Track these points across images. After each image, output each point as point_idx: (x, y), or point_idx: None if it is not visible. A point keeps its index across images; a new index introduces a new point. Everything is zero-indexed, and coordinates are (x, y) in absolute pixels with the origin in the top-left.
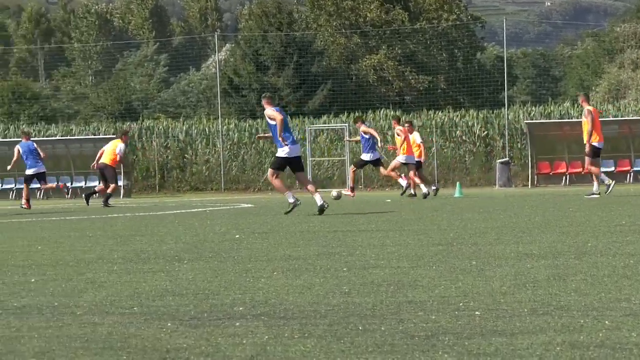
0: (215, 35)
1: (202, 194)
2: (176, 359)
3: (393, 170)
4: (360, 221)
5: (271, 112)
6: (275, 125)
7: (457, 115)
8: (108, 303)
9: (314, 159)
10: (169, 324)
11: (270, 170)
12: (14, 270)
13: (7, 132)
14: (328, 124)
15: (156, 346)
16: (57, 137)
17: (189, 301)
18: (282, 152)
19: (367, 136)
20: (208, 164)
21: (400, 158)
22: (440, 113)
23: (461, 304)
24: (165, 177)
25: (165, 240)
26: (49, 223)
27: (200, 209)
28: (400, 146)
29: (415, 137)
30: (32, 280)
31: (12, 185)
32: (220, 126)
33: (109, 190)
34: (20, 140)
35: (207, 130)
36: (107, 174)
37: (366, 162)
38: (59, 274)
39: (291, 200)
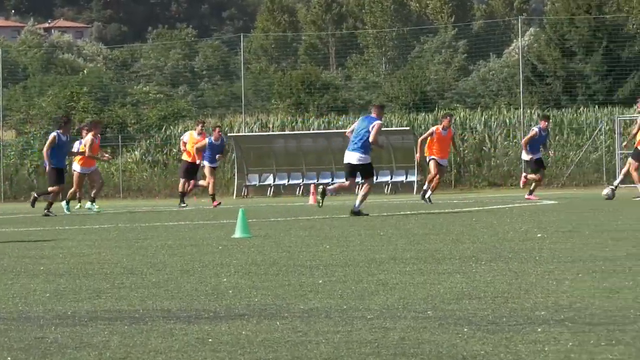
0: (519, 19)
1: (500, 190)
2: None
3: None
4: None
5: None
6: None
7: None
8: (400, 306)
9: (622, 151)
10: (466, 329)
11: None
12: (300, 270)
13: (294, 124)
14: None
15: (452, 353)
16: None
17: (487, 305)
18: None
19: None
20: (507, 157)
21: None
22: None
23: None
24: (461, 172)
25: (461, 240)
26: (337, 221)
27: (499, 206)
28: None
29: None
30: (320, 281)
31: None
32: (521, 117)
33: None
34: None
35: (507, 121)
36: None
37: None
38: (348, 275)
39: None
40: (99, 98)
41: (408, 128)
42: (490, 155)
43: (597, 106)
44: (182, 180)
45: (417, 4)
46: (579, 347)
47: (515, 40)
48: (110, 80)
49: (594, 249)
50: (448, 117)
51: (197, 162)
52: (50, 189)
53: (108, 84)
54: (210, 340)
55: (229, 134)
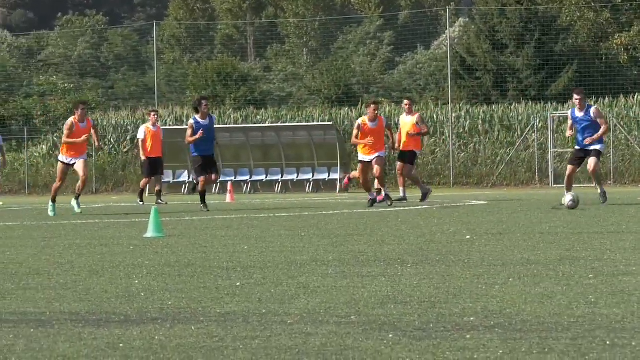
0: (447, 10)
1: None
2: None
3: None
4: (610, 221)
5: None
6: None
7: None
8: (322, 311)
9: (555, 150)
10: (391, 335)
11: None
12: (217, 272)
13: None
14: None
15: None
16: (267, 124)
17: (413, 310)
18: None
19: None
20: (434, 155)
21: None
22: None
23: None
24: (387, 171)
25: (387, 241)
26: (257, 220)
27: (426, 206)
28: None
29: None
30: (238, 284)
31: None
32: (450, 113)
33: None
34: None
35: (434, 117)
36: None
37: None
38: (268, 277)
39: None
40: (3, 89)
41: (331, 123)
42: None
43: (529, 102)
44: (145, 180)
45: None
46: (509, 355)
47: (444, 32)
48: (15, 69)
49: (526, 252)
50: (373, 105)
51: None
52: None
53: (12, 74)
54: (121, 345)
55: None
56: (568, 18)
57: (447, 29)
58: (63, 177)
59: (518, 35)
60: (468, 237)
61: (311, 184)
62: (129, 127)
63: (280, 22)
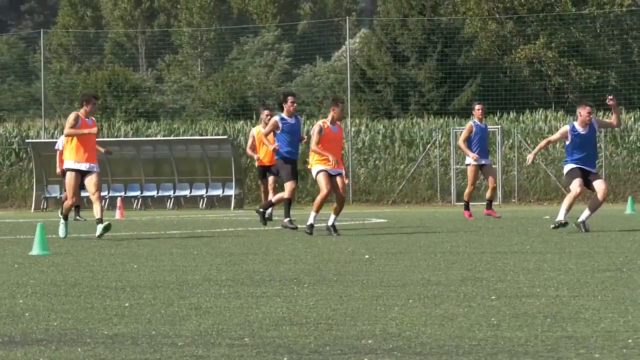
0: (347, 20)
1: (325, 207)
2: None
3: None
4: (513, 241)
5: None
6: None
7: (631, 117)
8: (214, 332)
9: (458, 166)
10: (285, 358)
11: None
12: (105, 292)
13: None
14: None
15: None
16: (159, 137)
17: (309, 332)
18: None
19: None
20: None
21: None
22: (610, 114)
23: (630, 341)
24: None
25: (283, 260)
26: (147, 238)
27: (323, 224)
28: None
29: None
30: (126, 304)
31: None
32: (349, 127)
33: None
34: None
35: None
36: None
37: None
38: (158, 297)
39: None
40: None
41: (225, 137)
42: None
43: (431, 116)
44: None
45: (239, 0)
46: None
47: (344, 43)
48: None
49: (426, 272)
50: (338, 105)
51: None
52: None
53: None
54: None
55: (26, 140)
56: (471, 29)
57: (347, 40)
58: (77, 191)
59: (420, 47)
60: (367, 256)
61: (205, 200)
62: (13, 140)
63: (173, 31)
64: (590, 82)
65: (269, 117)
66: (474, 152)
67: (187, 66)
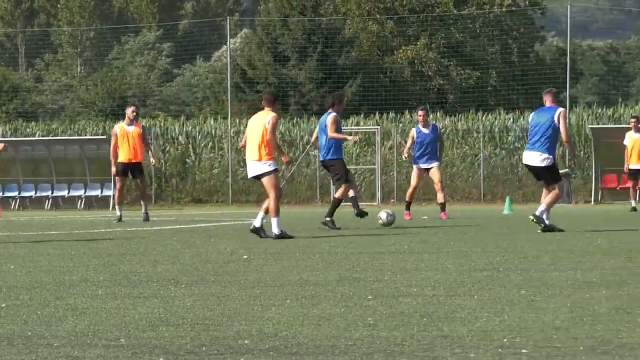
0: (228, 20)
1: (205, 207)
2: None
3: None
4: (391, 241)
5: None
6: None
7: (510, 118)
8: (90, 333)
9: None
10: (161, 359)
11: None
12: None
13: None
14: (356, 125)
15: None
16: (37, 137)
17: (186, 332)
18: None
19: None
20: (213, 171)
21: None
22: (489, 115)
23: (506, 340)
24: (162, 187)
25: (160, 261)
26: (24, 239)
27: (202, 225)
28: None
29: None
30: (2, 305)
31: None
32: (229, 127)
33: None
34: None
35: (213, 131)
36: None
37: None
38: (34, 298)
39: None
40: None
41: (105, 137)
42: (195, 168)
43: (312, 116)
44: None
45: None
46: None
47: (225, 43)
48: None
49: (304, 272)
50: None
51: None
52: None
53: None
54: None
55: None
56: (351, 30)
57: (227, 39)
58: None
59: (301, 47)
60: (245, 256)
61: (83, 201)
62: None
63: (53, 31)
64: (470, 82)
65: (134, 112)
66: (415, 157)
67: (67, 66)
